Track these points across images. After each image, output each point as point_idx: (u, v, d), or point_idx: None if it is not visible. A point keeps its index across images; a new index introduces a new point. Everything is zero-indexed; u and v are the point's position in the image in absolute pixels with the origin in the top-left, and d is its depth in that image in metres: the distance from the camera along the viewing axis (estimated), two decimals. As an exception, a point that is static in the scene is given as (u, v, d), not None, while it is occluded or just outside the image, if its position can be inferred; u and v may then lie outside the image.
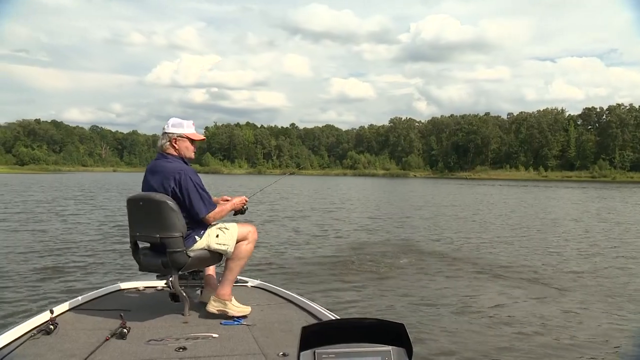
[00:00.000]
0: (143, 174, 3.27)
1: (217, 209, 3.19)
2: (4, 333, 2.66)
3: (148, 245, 3.20)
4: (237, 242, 3.23)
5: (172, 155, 3.23)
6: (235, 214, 3.47)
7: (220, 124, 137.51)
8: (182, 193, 3.10)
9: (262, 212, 17.70)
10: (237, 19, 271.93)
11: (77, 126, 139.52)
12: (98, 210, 18.05)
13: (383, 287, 7.03)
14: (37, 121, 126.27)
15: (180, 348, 2.64)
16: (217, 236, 3.20)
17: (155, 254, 3.11)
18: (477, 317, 5.74)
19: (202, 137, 3.37)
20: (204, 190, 3.15)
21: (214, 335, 2.86)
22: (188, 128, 3.28)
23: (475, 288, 7.12)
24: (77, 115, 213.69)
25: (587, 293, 6.90)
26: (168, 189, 3.10)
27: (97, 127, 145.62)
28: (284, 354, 2.57)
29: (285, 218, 16.43)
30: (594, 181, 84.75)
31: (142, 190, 3.22)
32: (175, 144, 3.23)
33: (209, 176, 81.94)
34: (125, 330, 2.76)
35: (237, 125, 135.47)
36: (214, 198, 3.42)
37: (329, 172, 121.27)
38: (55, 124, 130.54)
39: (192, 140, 3.30)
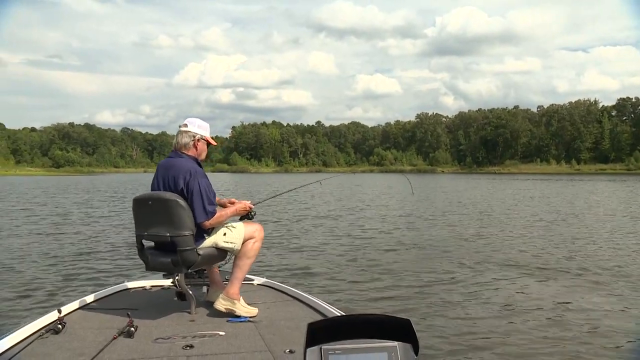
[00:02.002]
0: None
1: (216, 215, 3.18)
2: (13, 333, 2.70)
3: (153, 244, 3.22)
4: (244, 240, 3.25)
5: (188, 155, 3.27)
6: (241, 219, 3.47)
7: (246, 124, 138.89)
8: (187, 194, 3.13)
9: (279, 210, 17.75)
10: (262, 19, 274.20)
11: (109, 129, 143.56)
12: (113, 210, 18.08)
13: (393, 283, 6.92)
14: (71, 125, 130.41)
15: (188, 346, 2.65)
16: (225, 234, 3.22)
17: (164, 253, 3.12)
18: (493, 312, 5.61)
19: (215, 142, 3.50)
20: (208, 195, 3.15)
21: (221, 333, 2.87)
22: (207, 131, 3.39)
23: (498, 284, 6.94)
24: (108, 118, 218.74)
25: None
26: (178, 187, 3.13)
27: (127, 129, 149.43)
28: (290, 351, 2.57)
29: (298, 215, 16.39)
30: (630, 174, 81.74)
31: (152, 186, 3.25)
32: (197, 144, 3.29)
33: (237, 175, 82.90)
34: (132, 329, 2.78)
35: (263, 124, 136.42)
36: (222, 200, 3.47)
37: (355, 169, 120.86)
38: (88, 127, 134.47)
39: (208, 144, 3.40)
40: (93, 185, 42.85)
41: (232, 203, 3.47)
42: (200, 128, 3.32)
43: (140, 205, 3.17)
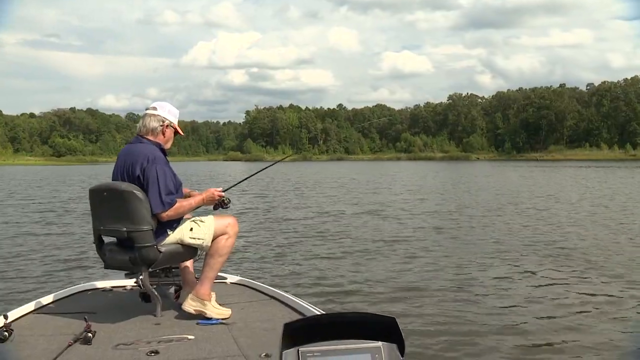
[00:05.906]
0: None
1: (175, 206, 3.13)
2: None
3: (114, 240, 3.22)
4: (216, 236, 3.22)
5: (151, 140, 3.27)
6: (215, 208, 3.43)
7: (261, 107, 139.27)
8: (144, 182, 3.11)
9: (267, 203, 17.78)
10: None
11: (113, 114, 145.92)
12: (77, 205, 17.41)
13: (379, 282, 6.93)
14: (73, 110, 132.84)
15: (152, 352, 2.65)
16: (191, 229, 3.19)
17: (122, 249, 3.12)
18: (485, 310, 5.70)
19: (182, 132, 3.50)
20: (167, 183, 3.12)
21: (190, 336, 2.88)
22: (177, 118, 3.40)
23: (495, 283, 6.95)
24: (112, 102, 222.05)
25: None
26: (135, 175, 3.12)
27: (133, 114, 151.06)
28: (266, 355, 2.57)
29: (278, 208, 16.39)
30: (694, 159, 79.29)
31: (113, 176, 3.26)
32: (166, 130, 3.31)
33: (251, 164, 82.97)
34: (90, 334, 2.77)
35: (280, 108, 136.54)
36: (184, 189, 3.43)
37: (380, 156, 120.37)
38: (91, 112, 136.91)
39: (175, 132, 3.40)
40: (95, 174, 43.37)
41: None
42: (170, 114, 3.34)
43: (96, 196, 3.16)
